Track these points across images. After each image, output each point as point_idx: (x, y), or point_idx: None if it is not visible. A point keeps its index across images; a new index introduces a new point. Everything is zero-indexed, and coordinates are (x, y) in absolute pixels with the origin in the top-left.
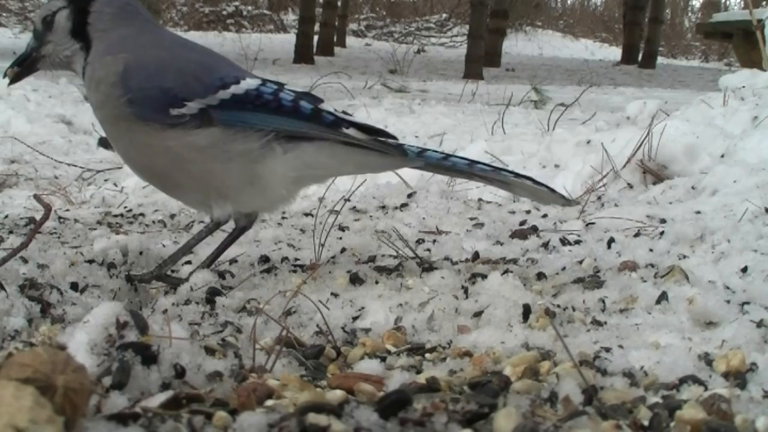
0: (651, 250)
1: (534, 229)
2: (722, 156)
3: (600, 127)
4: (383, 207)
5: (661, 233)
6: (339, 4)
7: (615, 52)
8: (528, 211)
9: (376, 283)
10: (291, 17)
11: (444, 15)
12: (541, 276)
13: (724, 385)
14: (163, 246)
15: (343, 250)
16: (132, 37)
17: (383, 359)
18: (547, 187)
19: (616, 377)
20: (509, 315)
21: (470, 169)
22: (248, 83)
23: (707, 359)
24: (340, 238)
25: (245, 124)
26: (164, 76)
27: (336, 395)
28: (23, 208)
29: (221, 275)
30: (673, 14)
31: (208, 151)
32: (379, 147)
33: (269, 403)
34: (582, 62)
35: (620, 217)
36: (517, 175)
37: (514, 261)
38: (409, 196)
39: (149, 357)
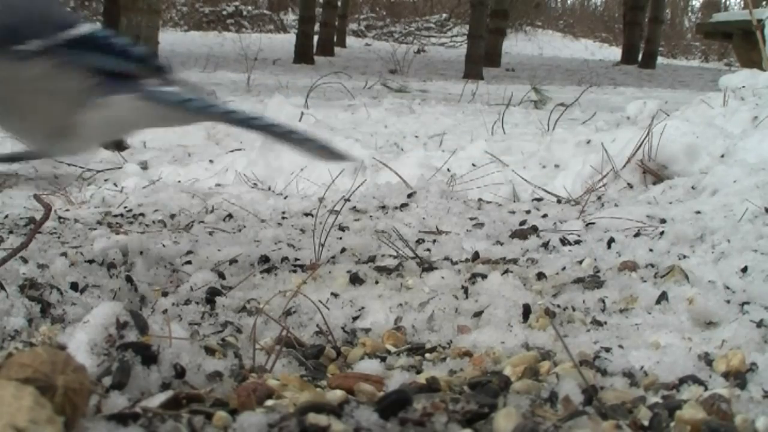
0: (651, 250)
1: (534, 229)
2: (722, 156)
3: (600, 127)
4: (383, 207)
5: (661, 233)
6: (339, 4)
7: (615, 52)
8: (528, 211)
9: (376, 283)
10: (291, 17)
11: (444, 15)
12: (541, 276)
13: (724, 385)
14: (163, 246)
15: (343, 250)
16: None
17: (383, 359)
18: (318, 140)
19: (616, 377)
20: (509, 315)
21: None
22: (87, 27)
23: (707, 359)
24: (340, 238)
25: (76, 63)
26: (6, 14)
27: (336, 395)
28: (23, 208)
29: (221, 275)
30: (673, 14)
31: (34, 84)
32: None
33: (269, 403)
34: (582, 62)
35: (620, 217)
36: (288, 132)
37: (514, 261)
38: (409, 196)
39: (149, 357)
